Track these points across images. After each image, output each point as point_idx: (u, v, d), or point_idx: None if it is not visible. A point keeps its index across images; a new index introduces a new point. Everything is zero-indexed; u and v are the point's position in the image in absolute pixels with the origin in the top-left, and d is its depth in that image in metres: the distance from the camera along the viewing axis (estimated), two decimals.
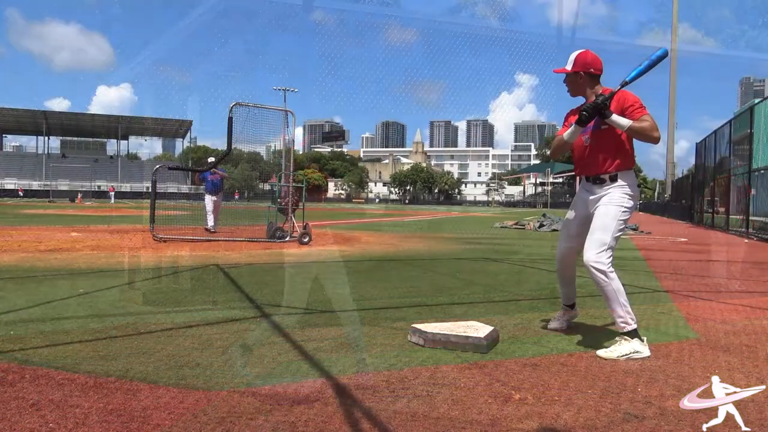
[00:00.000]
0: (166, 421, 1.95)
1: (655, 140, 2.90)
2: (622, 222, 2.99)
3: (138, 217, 18.85)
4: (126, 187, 75.01)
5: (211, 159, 12.14)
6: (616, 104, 2.98)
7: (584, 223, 3.15)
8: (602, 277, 2.89)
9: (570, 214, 3.30)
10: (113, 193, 56.23)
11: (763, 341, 3.30)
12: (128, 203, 45.27)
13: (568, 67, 3.10)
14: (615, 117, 2.92)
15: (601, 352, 2.90)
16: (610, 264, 2.91)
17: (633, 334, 2.88)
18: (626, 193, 3.03)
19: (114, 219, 17.42)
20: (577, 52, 3.11)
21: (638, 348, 2.86)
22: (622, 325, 2.89)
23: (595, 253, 2.92)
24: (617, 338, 2.94)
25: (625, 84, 3.02)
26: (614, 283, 2.89)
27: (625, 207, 3.02)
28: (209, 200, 11.28)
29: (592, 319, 3.78)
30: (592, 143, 3.09)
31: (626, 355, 2.84)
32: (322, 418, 2.01)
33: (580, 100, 3.18)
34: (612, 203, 3.02)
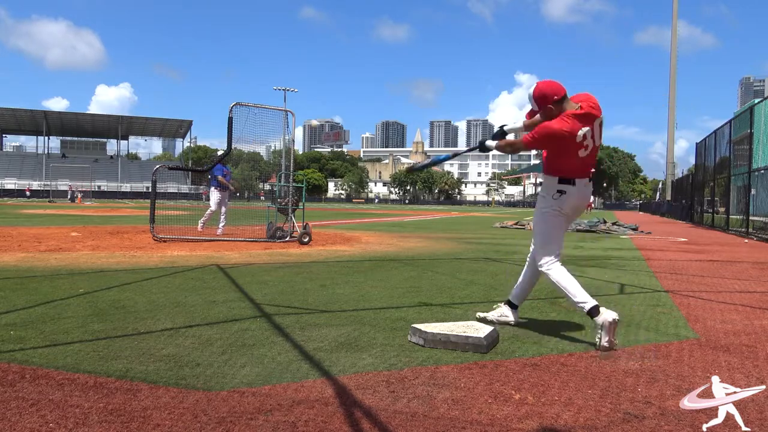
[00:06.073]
0: (166, 421, 1.95)
1: (514, 150, 3.31)
2: (544, 222, 3.27)
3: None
4: (126, 187, 75.08)
5: (220, 152, 12.06)
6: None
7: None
8: (546, 277, 3.22)
9: None
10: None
11: (763, 341, 3.31)
12: (128, 203, 45.32)
13: (536, 108, 3.23)
14: (490, 143, 3.35)
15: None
16: (548, 264, 3.19)
17: (594, 311, 3.02)
18: (543, 196, 3.28)
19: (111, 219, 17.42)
20: (531, 90, 3.19)
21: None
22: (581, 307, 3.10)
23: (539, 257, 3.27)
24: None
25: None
26: (555, 279, 3.17)
27: (543, 210, 3.26)
28: (216, 198, 11.08)
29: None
30: None
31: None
32: (322, 418, 2.01)
33: None
34: (537, 207, 3.34)
